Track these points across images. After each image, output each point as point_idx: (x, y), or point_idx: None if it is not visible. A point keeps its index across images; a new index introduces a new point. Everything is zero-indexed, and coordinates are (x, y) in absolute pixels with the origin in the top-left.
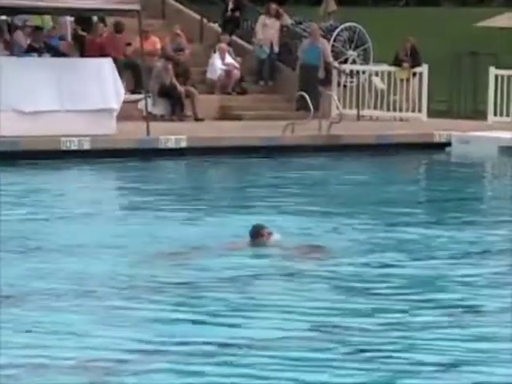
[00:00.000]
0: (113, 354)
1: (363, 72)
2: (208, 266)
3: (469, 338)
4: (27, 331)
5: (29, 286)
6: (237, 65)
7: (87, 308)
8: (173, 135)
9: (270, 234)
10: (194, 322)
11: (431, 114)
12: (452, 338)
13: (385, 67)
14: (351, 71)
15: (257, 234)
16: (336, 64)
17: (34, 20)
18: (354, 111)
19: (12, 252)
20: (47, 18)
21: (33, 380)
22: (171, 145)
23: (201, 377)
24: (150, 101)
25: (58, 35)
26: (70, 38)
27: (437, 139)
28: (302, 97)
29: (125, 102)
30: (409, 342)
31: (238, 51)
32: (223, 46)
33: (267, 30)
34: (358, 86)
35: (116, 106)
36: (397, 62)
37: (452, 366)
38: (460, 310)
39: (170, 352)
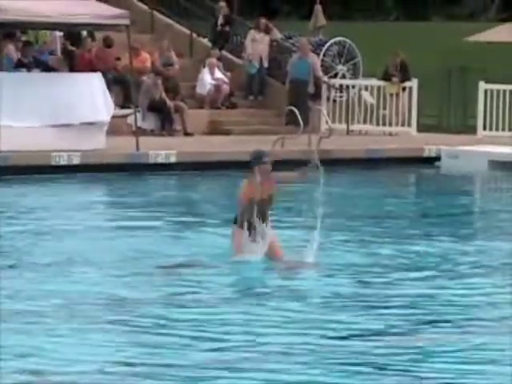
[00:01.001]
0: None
1: (353, 86)
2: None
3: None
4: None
5: (12, 302)
6: (226, 80)
7: (72, 325)
8: (162, 150)
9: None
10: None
11: (421, 128)
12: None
13: (374, 82)
14: (341, 86)
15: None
16: (325, 78)
17: (27, 35)
18: (344, 126)
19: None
20: (43, 32)
21: None
22: (161, 160)
23: None
24: (139, 115)
25: (48, 50)
26: (59, 52)
27: (426, 154)
28: (292, 111)
29: (114, 117)
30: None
31: (227, 66)
32: (213, 60)
33: (257, 44)
34: (347, 100)
35: (106, 119)
36: (386, 77)
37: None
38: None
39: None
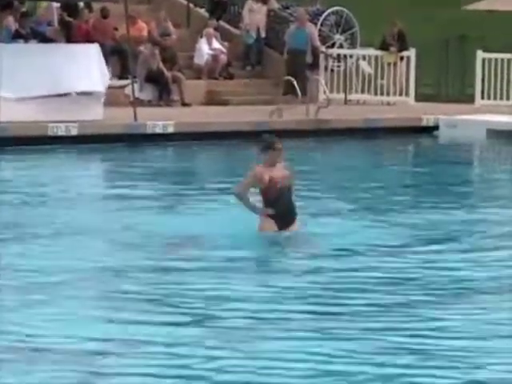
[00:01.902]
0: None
1: (350, 56)
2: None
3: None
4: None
5: (11, 271)
6: (224, 50)
7: (69, 296)
8: (160, 120)
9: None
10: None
11: (419, 97)
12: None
13: (372, 51)
14: (338, 55)
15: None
16: (323, 48)
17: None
18: (342, 95)
19: None
20: (40, 3)
21: (18, 366)
22: (159, 130)
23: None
24: (136, 86)
25: (46, 21)
26: (56, 23)
27: (424, 123)
28: (290, 81)
29: (112, 88)
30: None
31: (225, 36)
32: (210, 30)
33: (254, 14)
34: (345, 70)
35: (102, 89)
36: (384, 46)
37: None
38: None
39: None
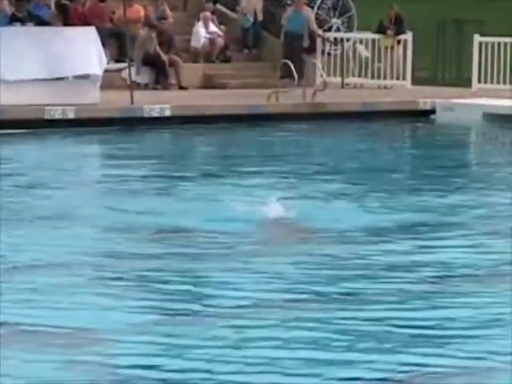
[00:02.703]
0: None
1: (347, 40)
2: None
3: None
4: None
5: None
6: (221, 33)
7: (69, 279)
8: (157, 104)
9: None
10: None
11: (416, 81)
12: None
13: (369, 35)
14: (335, 39)
15: None
16: (320, 32)
17: None
18: (339, 79)
19: None
20: None
21: (21, 345)
22: (155, 113)
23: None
24: (133, 69)
25: (44, 4)
26: (53, 6)
27: (421, 107)
28: (286, 65)
29: (109, 71)
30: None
31: (221, 19)
32: (207, 14)
33: None
34: (342, 53)
35: (99, 73)
36: (381, 30)
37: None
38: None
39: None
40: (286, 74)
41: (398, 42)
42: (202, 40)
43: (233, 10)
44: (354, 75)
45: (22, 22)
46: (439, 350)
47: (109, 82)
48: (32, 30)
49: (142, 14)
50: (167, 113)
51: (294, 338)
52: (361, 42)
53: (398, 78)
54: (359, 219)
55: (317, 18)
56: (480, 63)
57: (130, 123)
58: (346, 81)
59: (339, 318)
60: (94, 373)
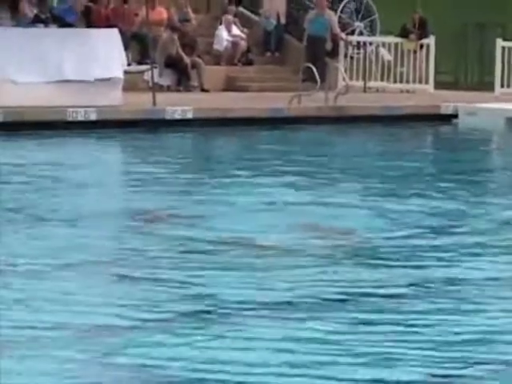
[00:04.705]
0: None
1: (370, 43)
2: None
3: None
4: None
5: (31, 256)
6: (243, 36)
7: (89, 278)
8: (179, 106)
9: None
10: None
11: (438, 85)
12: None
13: (392, 38)
14: (358, 43)
15: None
16: (343, 35)
17: None
18: (361, 83)
19: (14, 222)
20: None
21: (31, 346)
22: (178, 116)
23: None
24: (156, 72)
25: (65, 6)
26: (79, 10)
27: (443, 111)
28: (309, 68)
29: (131, 73)
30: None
31: (244, 22)
32: (229, 17)
33: (274, 1)
34: (364, 57)
35: (121, 75)
36: (404, 34)
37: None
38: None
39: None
40: (309, 77)
41: (421, 46)
42: (225, 43)
43: (255, 12)
44: (376, 79)
45: (45, 23)
46: None
47: (131, 83)
48: (55, 31)
49: (165, 16)
50: (189, 115)
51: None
52: (383, 45)
53: (420, 82)
54: (381, 221)
55: (340, 22)
56: (503, 67)
57: (152, 125)
58: (369, 84)
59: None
60: (95, 371)
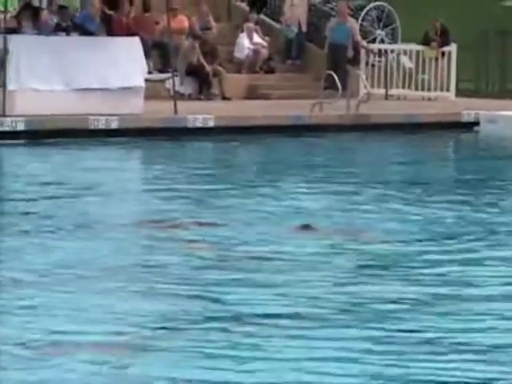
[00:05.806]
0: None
1: (391, 51)
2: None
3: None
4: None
5: (52, 264)
6: (265, 44)
7: (109, 286)
8: (200, 114)
9: None
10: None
11: (459, 93)
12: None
13: (413, 46)
14: (379, 50)
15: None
16: (364, 43)
17: None
18: (383, 90)
19: (38, 231)
20: None
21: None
22: (199, 124)
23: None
24: (177, 80)
25: (86, 14)
26: (98, 17)
27: (465, 118)
28: (330, 76)
29: (152, 81)
30: None
31: (265, 30)
32: (251, 25)
33: (295, 8)
34: (386, 65)
35: (142, 83)
36: (426, 41)
37: None
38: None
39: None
40: (330, 85)
41: (443, 53)
42: (246, 51)
43: (277, 20)
44: (397, 87)
45: (67, 31)
46: None
47: (152, 92)
48: (77, 39)
49: (186, 24)
50: (211, 123)
51: None
52: (405, 53)
53: (441, 90)
54: (401, 228)
55: (361, 30)
56: None
57: (174, 133)
58: (390, 92)
59: None
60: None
